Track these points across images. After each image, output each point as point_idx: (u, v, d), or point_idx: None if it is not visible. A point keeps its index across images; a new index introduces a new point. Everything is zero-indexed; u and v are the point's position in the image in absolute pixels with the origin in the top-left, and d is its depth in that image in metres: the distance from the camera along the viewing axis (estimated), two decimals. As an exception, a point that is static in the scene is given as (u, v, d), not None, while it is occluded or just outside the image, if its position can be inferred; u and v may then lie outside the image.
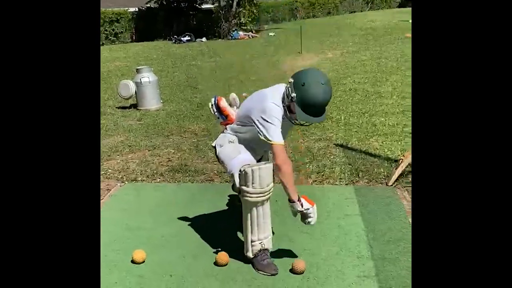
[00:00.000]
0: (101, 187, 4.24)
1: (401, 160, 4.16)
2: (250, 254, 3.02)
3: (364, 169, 4.46)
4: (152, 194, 4.25)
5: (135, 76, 8.07)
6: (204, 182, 4.45)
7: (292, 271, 2.92)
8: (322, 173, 4.44)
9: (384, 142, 5.20)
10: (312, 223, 2.97)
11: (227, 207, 3.90)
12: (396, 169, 4.14)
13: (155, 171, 4.73)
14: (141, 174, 4.67)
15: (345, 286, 2.77)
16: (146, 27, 22.52)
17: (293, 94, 2.81)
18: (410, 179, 4.15)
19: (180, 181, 4.49)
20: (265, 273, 2.93)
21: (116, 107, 8.05)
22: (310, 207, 2.93)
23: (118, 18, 22.42)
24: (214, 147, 3.26)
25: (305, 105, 2.82)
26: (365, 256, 3.07)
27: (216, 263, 3.02)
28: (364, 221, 3.53)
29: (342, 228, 3.44)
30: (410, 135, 5.25)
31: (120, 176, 4.65)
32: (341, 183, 4.24)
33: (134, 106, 8.00)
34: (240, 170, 2.89)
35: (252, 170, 2.81)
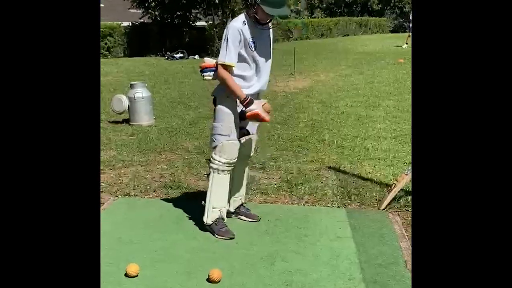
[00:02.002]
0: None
1: (394, 184, 4.20)
2: (209, 220, 3.61)
3: (356, 192, 4.49)
4: (145, 209, 4.24)
5: (128, 91, 8.08)
6: (198, 199, 4.44)
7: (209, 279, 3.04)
8: (314, 195, 4.47)
9: (376, 166, 5.25)
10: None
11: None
12: (388, 193, 4.17)
13: (148, 187, 4.73)
14: (134, 189, 4.67)
15: (338, 307, 2.79)
16: (138, 42, 22.53)
17: None
18: (402, 203, 4.19)
19: (173, 197, 4.49)
20: (224, 238, 3.55)
21: (108, 122, 8.04)
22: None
23: (111, 32, 22.39)
24: (214, 97, 3.58)
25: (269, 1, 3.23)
26: (357, 279, 3.08)
27: (209, 280, 3.02)
28: (356, 244, 3.55)
29: (334, 250, 3.46)
30: (402, 160, 5.33)
31: (114, 190, 4.64)
32: (333, 205, 4.26)
33: (127, 121, 8.00)
34: (215, 138, 3.53)
35: (223, 144, 3.49)
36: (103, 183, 4.80)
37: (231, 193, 3.83)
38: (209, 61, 3.57)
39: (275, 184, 4.74)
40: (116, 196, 4.52)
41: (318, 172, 5.10)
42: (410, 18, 21.10)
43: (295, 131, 7.02)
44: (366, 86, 10.93)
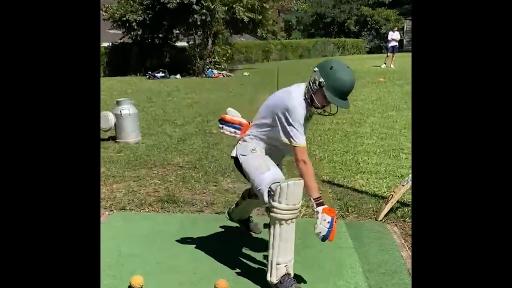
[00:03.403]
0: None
1: (390, 195, 4.23)
2: (274, 279, 2.97)
3: (352, 204, 4.52)
4: (142, 222, 4.20)
5: (114, 108, 8.01)
6: (194, 213, 4.42)
7: None
8: (311, 208, 4.46)
9: (369, 180, 5.28)
10: (316, 231, 2.96)
11: (220, 237, 3.89)
12: (385, 204, 4.21)
13: (143, 201, 4.69)
14: (129, 204, 4.62)
15: (347, 315, 2.79)
16: (119, 62, 22.42)
17: (321, 79, 2.85)
18: (399, 214, 4.22)
19: (169, 211, 4.46)
20: None
21: (95, 139, 7.94)
22: (325, 217, 2.93)
23: (91, 52, 22.21)
24: (235, 157, 3.19)
25: (335, 87, 2.87)
26: (362, 287, 3.09)
27: (215, 291, 3.00)
28: (358, 254, 3.56)
29: (337, 260, 3.47)
30: (394, 173, 5.37)
31: (108, 204, 4.58)
32: (331, 217, 4.27)
33: (113, 138, 7.92)
34: (270, 188, 2.89)
35: (288, 185, 2.81)
36: (96, 198, 4.74)
37: (249, 213, 3.76)
38: (233, 113, 3.32)
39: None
40: (111, 210, 4.46)
41: (313, 185, 5.10)
42: (389, 38, 21.49)
43: (284, 146, 7.02)
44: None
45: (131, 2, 20.71)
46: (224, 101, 11.95)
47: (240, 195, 3.81)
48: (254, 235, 3.84)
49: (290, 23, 43.88)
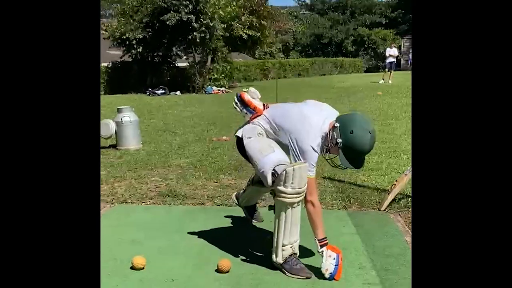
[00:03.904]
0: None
1: (393, 185, 4.21)
2: (280, 260, 2.96)
3: (355, 197, 4.49)
4: (143, 213, 4.17)
5: (116, 116, 8.02)
6: (196, 205, 4.39)
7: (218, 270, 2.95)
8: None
9: (370, 176, 5.26)
10: (322, 269, 2.89)
11: (223, 225, 3.87)
12: (388, 194, 4.18)
13: (144, 195, 4.66)
14: (130, 198, 4.59)
15: (353, 291, 2.75)
16: (119, 81, 22.47)
17: (339, 140, 2.77)
18: (402, 204, 4.20)
19: (170, 204, 4.43)
20: (299, 277, 2.90)
21: (95, 146, 7.93)
22: (330, 253, 2.90)
23: (91, 70, 22.29)
24: (239, 137, 3.13)
25: (350, 153, 2.80)
26: (367, 267, 3.06)
27: (218, 270, 2.95)
28: (362, 239, 3.53)
29: (341, 243, 3.38)
30: (396, 170, 5.35)
31: (109, 199, 4.56)
32: (334, 207, 4.25)
33: (113, 146, 7.90)
34: (274, 170, 2.84)
35: (293, 169, 2.77)
36: (97, 194, 4.71)
37: (255, 200, 3.75)
38: (253, 94, 3.24)
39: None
40: (112, 203, 4.43)
41: (314, 181, 5.09)
42: (387, 54, 21.66)
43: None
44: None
45: (131, 20, 20.86)
46: (224, 113, 11.96)
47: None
48: (256, 223, 3.81)
49: (288, 44, 44.12)
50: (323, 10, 46.52)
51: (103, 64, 22.83)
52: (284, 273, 2.94)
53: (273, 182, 2.86)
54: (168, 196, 4.61)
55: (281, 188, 2.83)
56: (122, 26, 20.79)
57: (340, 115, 2.98)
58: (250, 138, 3.06)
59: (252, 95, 3.23)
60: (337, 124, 2.81)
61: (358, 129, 2.76)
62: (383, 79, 21.13)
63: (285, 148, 2.98)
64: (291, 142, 2.88)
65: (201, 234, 3.62)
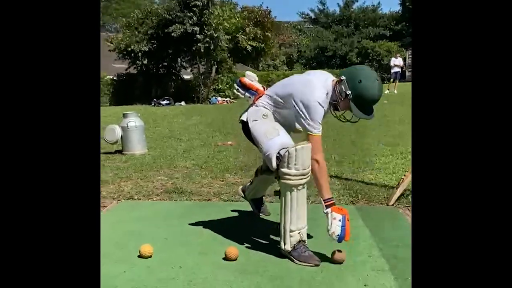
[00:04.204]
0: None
1: (402, 179, 4.18)
2: (288, 247, 2.92)
3: (362, 193, 4.46)
4: (149, 208, 4.16)
5: (121, 121, 8.02)
6: (202, 201, 4.37)
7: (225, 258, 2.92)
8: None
9: (378, 175, 5.23)
10: (329, 232, 2.89)
11: (229, 218, 3.85)
12: (397, 188, 4.15)
13: (150, 192, 4.65)
14: (136, 194, 4.58)
15: (362, 277, 2.71)
16: (124, 92, 22.57)
17: (348, 92, 2.79)
18: (410, 199, 4.16)
19: (176, 200, 4.41)
20: (308, 264, 2.86)
21: (100, 153, 7.94)
22: (335, 215, 2.89)
23: (97, 82, 22.40)
24: (244, 121, 3.12)
25: (361, 102, 2.81)
26: (376, 255, 3.03)
27: (226, 258, 2.93)
28: (371, 231, 3.50)
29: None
30: (404, 169, 5.32)
31: (116, 196, 4.55)
32: (341, 203, 4.21)
33: (119, 151, 7.90)
34: (278, 153, 2.84)
35: (296, 149, 2.77)
36: (103, 192, 4.69)
37: (262, 192, 3.72)
38: (251, 77, 3.23)
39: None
40: (119, 199, 4.42)
41: (321, 179, 5.06)
42: (392, 64, 21.68)
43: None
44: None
45: (136, 32, 20.99)
46: (229, 121, 11.96)
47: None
48: (263, 216, 3.78)
49: (292, 56, 44.23)
50: (327, 23, 46.62)
51: (109, 77, 22.96)
52: (293, 260, 2.91)
53: (277, 165, 2.85)
54: (175, 192, 4.60)
55: (285, 170, 2.81)
56: (127, 38, 20.92)
57: (343, 70, 3.00)
58: (255, 121, 3.06)
59: (250, 78, 3.24)
60: (343, 77, 2.83)
61: (365, 79, 2.80)
62: (388, 89, 21.13)
63: (293, 124, 2.96)
64: (296, 104, 2.86)
65: (208, 225, 3.59)
